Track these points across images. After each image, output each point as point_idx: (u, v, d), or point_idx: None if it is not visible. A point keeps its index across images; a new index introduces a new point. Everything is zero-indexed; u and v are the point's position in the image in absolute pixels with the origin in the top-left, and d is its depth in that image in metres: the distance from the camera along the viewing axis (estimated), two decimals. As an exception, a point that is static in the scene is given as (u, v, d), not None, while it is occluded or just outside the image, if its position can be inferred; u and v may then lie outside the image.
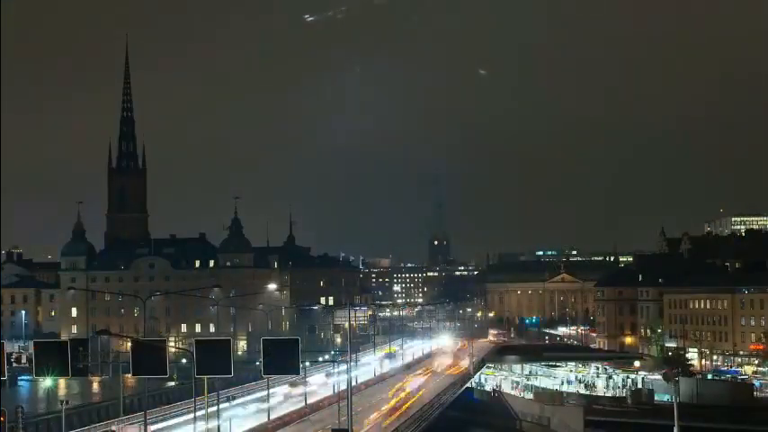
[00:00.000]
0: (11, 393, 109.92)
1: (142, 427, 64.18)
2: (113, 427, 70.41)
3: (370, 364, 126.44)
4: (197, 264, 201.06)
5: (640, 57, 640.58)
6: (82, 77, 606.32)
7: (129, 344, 55.45)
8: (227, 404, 69.25)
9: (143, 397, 71.74)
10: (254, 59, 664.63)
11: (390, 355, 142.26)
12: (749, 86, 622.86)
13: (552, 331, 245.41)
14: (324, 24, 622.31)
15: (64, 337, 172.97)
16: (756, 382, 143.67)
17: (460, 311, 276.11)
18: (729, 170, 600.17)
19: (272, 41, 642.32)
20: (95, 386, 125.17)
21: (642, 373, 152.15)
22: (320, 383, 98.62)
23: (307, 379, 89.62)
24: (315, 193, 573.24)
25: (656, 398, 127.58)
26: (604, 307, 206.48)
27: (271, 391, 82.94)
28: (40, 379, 76.02)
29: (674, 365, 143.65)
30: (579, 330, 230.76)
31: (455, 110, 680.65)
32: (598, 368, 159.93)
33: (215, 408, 63.65)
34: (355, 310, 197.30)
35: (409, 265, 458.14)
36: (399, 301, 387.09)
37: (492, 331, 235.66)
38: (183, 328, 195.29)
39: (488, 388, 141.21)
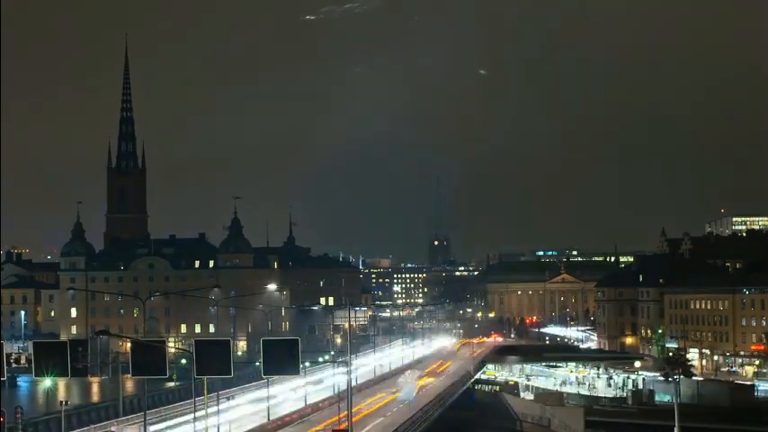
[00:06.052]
0: (10, 394, 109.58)
1: (142, 428, 63.90)
2: (113, 428, 70.12)
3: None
4: (197, 264, 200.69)
5: (641, 57, 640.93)
6: (82, 77, 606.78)
7: (129, 344, 55.25)
8: (226, 404, 68.95)
9: (143, 397, 71.42)
10: (254, 59, 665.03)
11: None
12: (750, 86, 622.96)
13: (552, 332, 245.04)
14: (324, 24, 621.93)
15: (63, 337, 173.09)
16: (757, 383, 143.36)
17: (461, 312, 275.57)
18: (729, 170, 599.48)
19: (272, 41, 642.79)
20: (95, 387, 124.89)
21: (643, 373, 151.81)
22: None
23: None
24: (315, 193, 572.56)
25: (656, 398, 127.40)
26: (605, 307, 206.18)
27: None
28: (40, 379, 75.57)
29: (674, 366, 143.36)
30: (579, 331, 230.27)
31: (455, 110, 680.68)
32: (599, 368, 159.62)
33: (215, 408, 63.37)
34: (355, 311, 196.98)
35: (409, 265, 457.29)
36: (399, 301, 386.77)
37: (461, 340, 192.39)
38: (183, 328, 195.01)
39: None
